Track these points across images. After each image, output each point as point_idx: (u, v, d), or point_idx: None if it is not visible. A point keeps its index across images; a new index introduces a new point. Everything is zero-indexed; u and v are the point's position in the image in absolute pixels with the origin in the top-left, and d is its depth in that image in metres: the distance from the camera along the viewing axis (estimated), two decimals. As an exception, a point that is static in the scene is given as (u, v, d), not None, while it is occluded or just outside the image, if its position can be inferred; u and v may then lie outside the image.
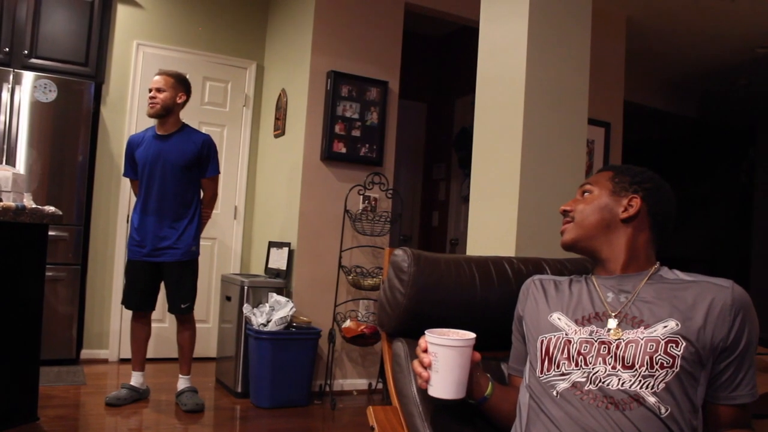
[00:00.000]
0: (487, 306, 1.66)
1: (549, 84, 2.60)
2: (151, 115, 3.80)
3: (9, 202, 2.96)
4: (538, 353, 1.44)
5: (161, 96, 3.75)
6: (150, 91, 3.77)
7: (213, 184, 3.91)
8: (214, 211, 4.93)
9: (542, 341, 1.44)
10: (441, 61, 6.42)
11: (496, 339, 1.65)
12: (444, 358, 1.33)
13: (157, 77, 3.82)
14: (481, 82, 2.81)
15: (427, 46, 6.37)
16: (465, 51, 5.52)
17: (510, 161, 2.57)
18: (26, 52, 4.46)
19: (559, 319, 1.45)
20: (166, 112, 3.78)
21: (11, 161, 4.30)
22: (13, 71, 4.34)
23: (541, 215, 2.50)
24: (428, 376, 1.36)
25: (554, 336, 1.42)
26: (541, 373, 1.41)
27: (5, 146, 4.30)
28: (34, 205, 3.04)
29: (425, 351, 1.37)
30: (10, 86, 4.31)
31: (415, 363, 1.41)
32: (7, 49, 4.41)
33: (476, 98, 2.82)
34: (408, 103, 5.68)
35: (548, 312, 1.48)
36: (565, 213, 1.58)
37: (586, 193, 1.57)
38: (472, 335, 1.37)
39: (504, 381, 1.64)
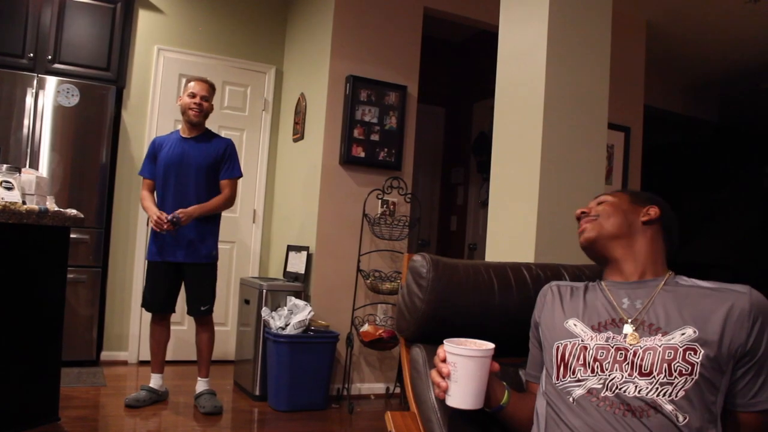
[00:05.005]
0: (505, 312, 1.66)
1: (569, 88, 2.59)
2: (191, 122, 3.86)
3: (32, 204, 3.00)
4: (554, 359, 1.43)
5: (206, 105, 3.88)
6: (193, 96, 3.84)
7: (232, 186, 3.94)
8: (232, 215, 4.99)
9: (558, 347, 1.44)
10: (459, 66, 6.41)
11: (515, 345, 1.65)
12: (463, 368, 1.33)
13: (201, 84, 3.89)
14: (500, 87, 2.80)
15: (445, 51, 6.37)
16: (483, 55, 5.51)
17: (529, 166, 2.56)
18: (50, 57, 4.52)
19: (575, 325, 1.45)
20: (205, 119, 3.92)
21: (34, 165, 4.35)
22: (37, 76, 4.40)
23: (561, 221, 2.49)
24: (447, 386, 1.35)
25: (570, 342, 1.42)
26: (557, 380, 1.40)
27: (29, 150, 4.36)
28: (56, 208, 3.08)
29: (443, 361, 1.37)
30: (34, 91, 4.37)
31: (434, 373, 1.41)
32: (32, 55, 4.47)
33: (495, 102, 2.81)
34: (426, 107, 5.68)
35: (564, 318, 1.48)
36: (583, 214, 1.59)
37: (602, 204, 1.59)
38: (491, 345, 1.37)
39: (522, 387, 1.64)
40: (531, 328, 1.60)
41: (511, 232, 2.63)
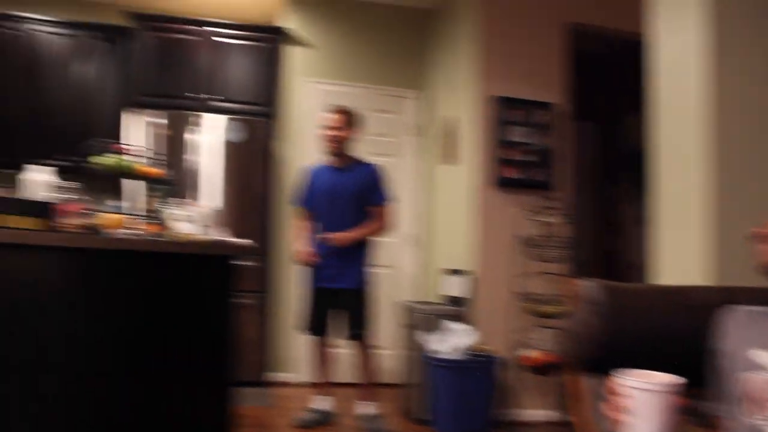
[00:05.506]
0: (683, 339, 1.57)
1: (740, 96, 2.44)
2: (329, 153, 3.98)
3: (208, 236, 3.23)
4: (739, 393, 1.33)
5: (340, 134, 3.94)
6: (327, 128, 3.96)
7: (383, 212, 4.01)
8: (388, 239, 5.05)
9: (742, 380, 1.33)
10: (610, 79, 6.21)
11: (694, 375, 1.56)
12: (646, 403, 1.24)
13: (333, 115, 3.99)
14: (656, 99, 2.70)
15: (595, 65, 6.19)
16: (634, 67, 5.31)
17: (699, 182, 2.43)
18: (212, 96, 4.93)
19: (761, 355, 1.33)
20: (342, 149, 3.97)
21: (207, 198, 4.69)
22: (201, 114, 4.79)
23: (740, 239, 2.34)
24: (623, 420, 1.29)
25: (756, 374, 1.31)
26: (744, 416, 1.29)
27: (202, 184, 4.72)
28: (231, 238, 3.29)
29: (618, 394, 1.30)
30: (201, 129, 4.74)
31: (607, 406, 1.35)
32: (196, 95, 4.90)
33: (652, 116, 2.71)
34: (578, 123, 5.54)
35: (748, 347, 1.36)
36: (759, 234, 1.46)
37: None
38: (679, 379, 1.28)
39: (705, 421, 1.55)
40: (711, 356, 1.49)
41: (681, 253, 2.50)
